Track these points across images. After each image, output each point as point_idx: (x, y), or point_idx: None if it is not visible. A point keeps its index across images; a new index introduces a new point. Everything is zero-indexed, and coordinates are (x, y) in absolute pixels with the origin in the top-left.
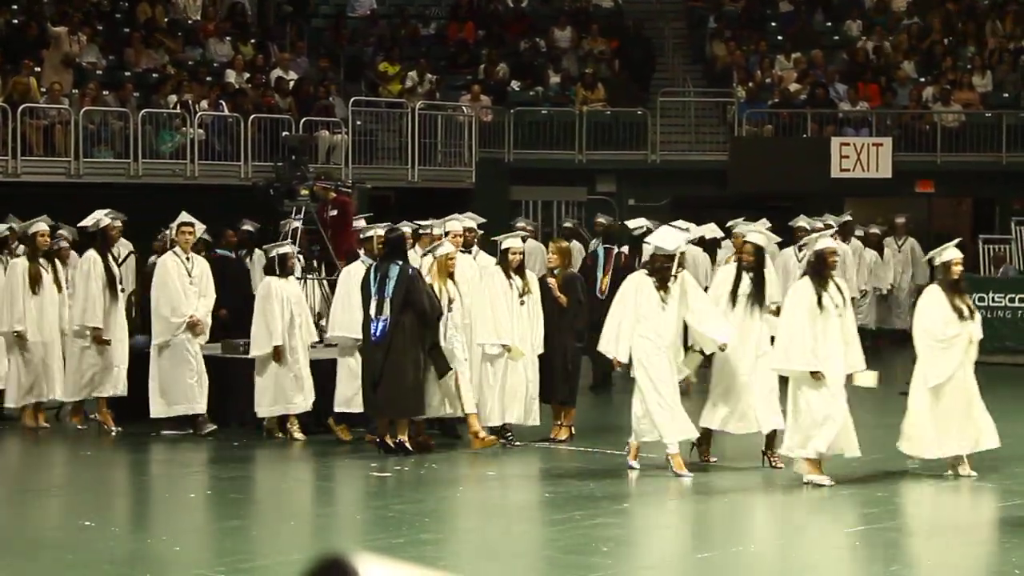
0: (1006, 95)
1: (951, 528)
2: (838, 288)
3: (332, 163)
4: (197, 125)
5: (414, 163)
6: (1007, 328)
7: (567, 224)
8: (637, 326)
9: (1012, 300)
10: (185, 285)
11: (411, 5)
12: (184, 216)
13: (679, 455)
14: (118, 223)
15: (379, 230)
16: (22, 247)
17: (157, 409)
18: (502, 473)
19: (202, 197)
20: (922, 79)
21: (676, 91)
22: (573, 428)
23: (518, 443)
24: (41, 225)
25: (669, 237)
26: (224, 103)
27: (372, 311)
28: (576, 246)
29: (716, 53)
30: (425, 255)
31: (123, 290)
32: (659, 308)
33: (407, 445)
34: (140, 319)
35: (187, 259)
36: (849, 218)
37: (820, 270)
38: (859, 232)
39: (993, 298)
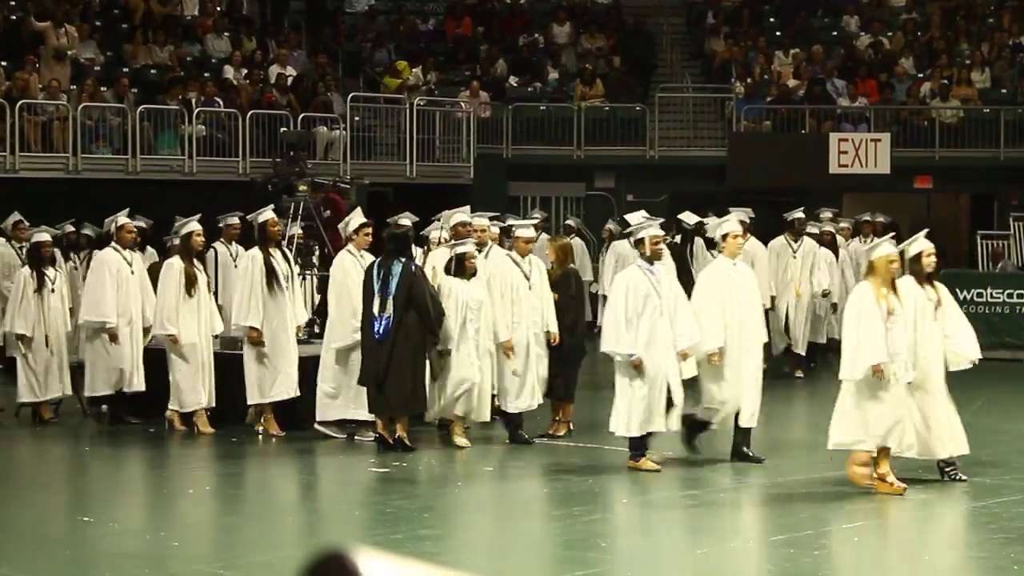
0: (1004, 91)
1: None
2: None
3: (330, 159)
4: (198, 121)
5: (412, 159)
6: (1005, 324)
7: (569, 222)
8: None
9: (1011, 296)
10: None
11: (409, 1)
12: (360, 215)
13: None
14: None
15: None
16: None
17: (324, 412)
18: (500, 469)
19: (200, 193)
20: (920, 75)
21: (675, 87)
22: (572, 423)
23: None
24: (194, 225)
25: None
26: (219, 99)
27: (375, 309)
28: (578, 243)
29: (714, 49)
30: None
31: (288, 288)
32: None
33: (406, 441)
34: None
35: (361, 256)
36: (801, 215)
37: None
38: (812, 229)
39: (991, 294)
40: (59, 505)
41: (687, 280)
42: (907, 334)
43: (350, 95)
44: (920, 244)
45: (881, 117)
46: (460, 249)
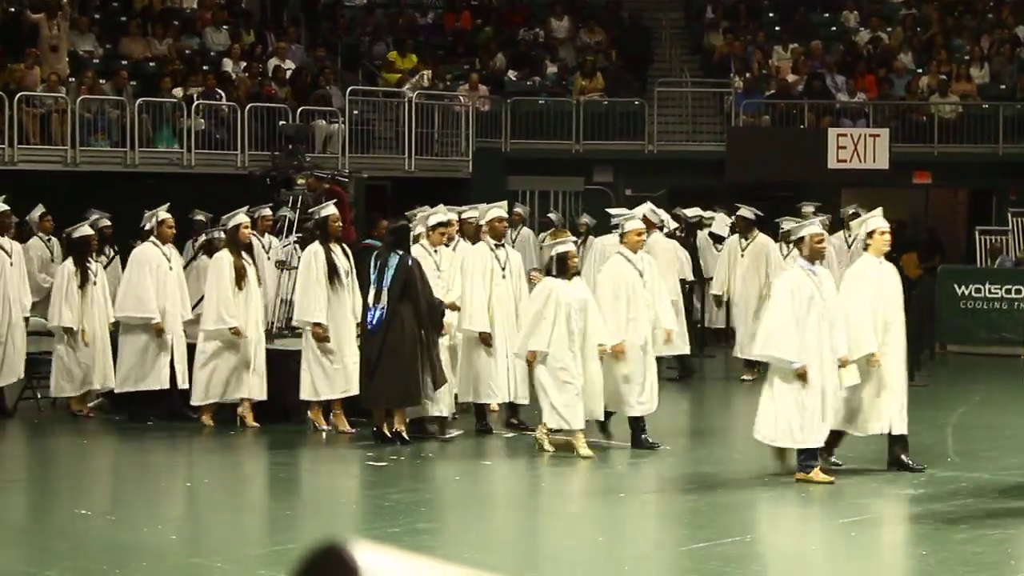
0: (1003, 86)
1: None
2: None
3: (329, 152)
4: (196, 115)
5: (411, 153)
6: (1003, 319)
7: (550, 215)
8: None
9: (1008, 291)
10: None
11: None
12: (443, 212)
13: None
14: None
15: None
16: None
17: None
18: (498, 463)
19: (199, 186)
20: (919, 70)
21: (673, 81)
22: None
23: (509, 434)
24: (242, 217)
25: None
26: (220, 92)
27: (370, 300)
28: None
29: (713, 43)
30: None
31: (346, 281)
32: None
33: (404, 434)
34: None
35: (435, 251)
36: (751, 214)
37: None
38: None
39: (990, 289)
40: (57, 498)
41: (698, 272)
42: None
43: (349, 88)
44: None
45: (880, 112)
46: (560, 249)
